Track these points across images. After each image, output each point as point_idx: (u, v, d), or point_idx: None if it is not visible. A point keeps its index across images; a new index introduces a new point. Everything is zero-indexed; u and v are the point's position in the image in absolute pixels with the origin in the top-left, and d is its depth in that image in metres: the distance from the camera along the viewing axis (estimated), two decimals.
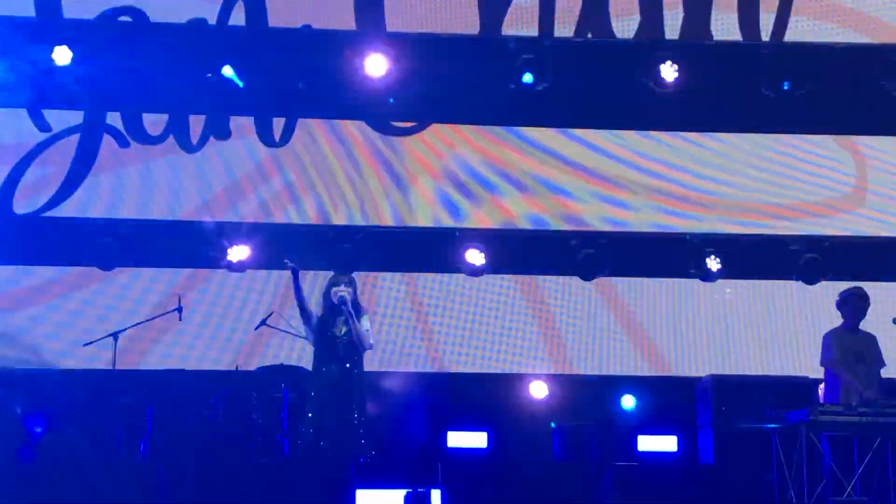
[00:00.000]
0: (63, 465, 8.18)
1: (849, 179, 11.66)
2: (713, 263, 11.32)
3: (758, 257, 11.43)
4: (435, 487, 7.82)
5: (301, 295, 8.83)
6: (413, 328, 11.56)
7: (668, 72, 10.29)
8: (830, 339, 9.22)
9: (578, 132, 11.47)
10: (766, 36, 10.74)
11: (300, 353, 10.40)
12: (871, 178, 11.65)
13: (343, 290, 8.74)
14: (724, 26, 10.75)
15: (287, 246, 10.84)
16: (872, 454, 8.50)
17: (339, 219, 11.34)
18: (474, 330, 11.61)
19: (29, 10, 10.30)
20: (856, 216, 11.62)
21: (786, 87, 10.30)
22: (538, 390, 11.51)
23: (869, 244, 11.50)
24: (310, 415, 8.59)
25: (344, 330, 8.73)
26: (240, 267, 11.03)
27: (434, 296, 11.62)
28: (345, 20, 10.64)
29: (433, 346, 11.58)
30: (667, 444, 11.04)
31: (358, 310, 8.78)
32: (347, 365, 8.67)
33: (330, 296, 8.81)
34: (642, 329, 11.66)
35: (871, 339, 9.25)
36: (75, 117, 11.08)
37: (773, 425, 9.09)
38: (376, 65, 10.16)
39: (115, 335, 10.09)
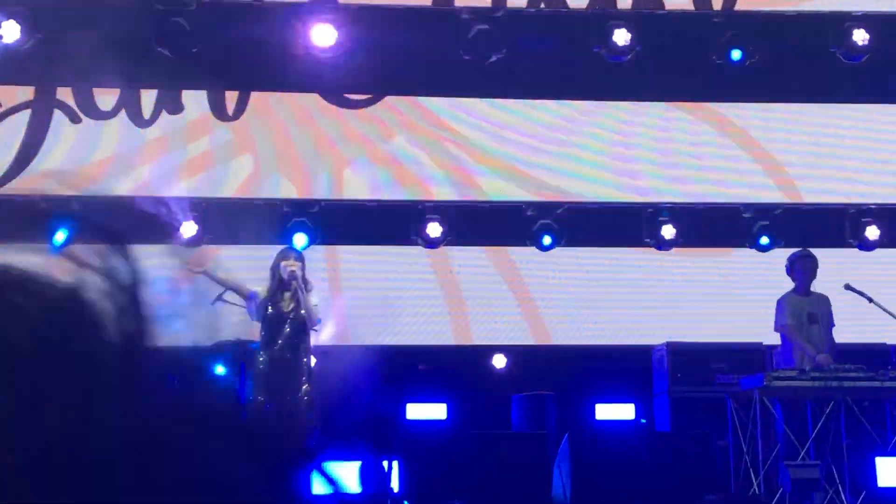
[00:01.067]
0: None
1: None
2: (668, 231, 11.41)
3: (712, 225, 11.51)
4: (392, 458, 7.84)
5: (228, 285, 8.76)
6: (372, 301, 11.55)
7: (621, 39, 10.32)
8: (783, 305, 9.31)
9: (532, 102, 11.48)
10: (717, 4, 10.80)
11: (257, 328, 10.36)
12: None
13: (293, 265, 8.64)
14: None
15: (240, 220, 10.80)
16: (826, 418, 8.60)
17: (294, 192, 11.30)
18: (433, 302, 11.62)
19: None
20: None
21: (736, 57, 10.36)
22: (498, 362, 11.56)
23: (818, 210, 11.64)
24: (255, 396, 8.53)
25: (291, 305, 8.65)
26: (193, 242, 10.96)
27: (394, 268, 11.61)
28: None
29: (394, 319, 11.58)
30: (624, 412, 11.12)
31: (306, 285, 8.69)
32: (296, 342, 8.59)
33: (278, 270, 8.72)
34: (598, 299, 11.71)
35: (824, 300, 9.34)
36: (24, 93, 10.96)
37: (727, 391, 9.18)
38: (324, 35, 10.12)
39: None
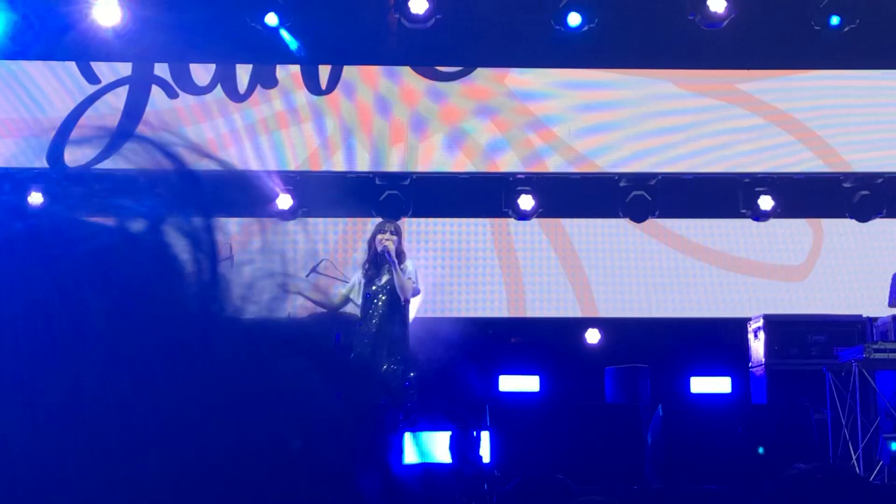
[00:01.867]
0: None
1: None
2: (766, 202, 11.22)
3: (810, 195, 11.29)
4: (483, 429, 7.85)
5: (334, 304, 8.90)
6: (467, 273, 11.57)
7: (717, 6, 10.16)
8: None
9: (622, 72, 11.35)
10: None
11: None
12: None
13: (387, 239, 8.69)
14: None
15: (333, 194, 10.88)
16: None
17: (385, 166, 11.34)
18: (526, 275, 11.59)
19: None
20: None
21: (835, 22, 10.13)
22: (592, 337, 11.51)
23: None
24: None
25: (387, 278, 8.73)
26: (289, 215, 11.09)
27: (486, 241, 11.61)
28: None
29: (487, 291, 11.59)
30: (720, 385, 10.99)
31: (401, 257, 8.74)
32: (391, 315, 8.66)
33: (374, 243, 8.80)
34: (692, 270, 11.58)
35: None
36: (124, 69, 11.15)
37: (825, 363, 9.02)
38: (418, 5, 10.14)
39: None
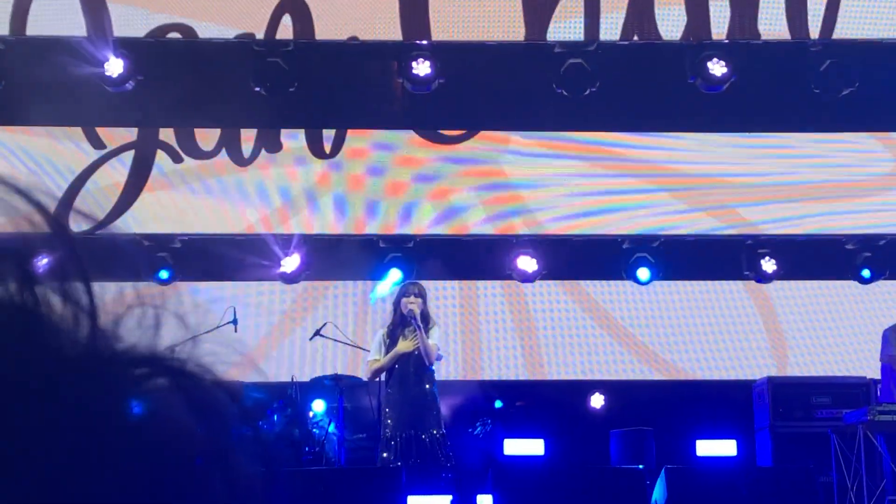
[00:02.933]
0: None
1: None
2: (768, 265, 11.23)
3: (813, 257, 11.30)
4: (485, 493, 7.80)
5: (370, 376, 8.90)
6: (470, 336, 11.56)
7: (717, 69, 10.24)
8: (890, 336, 9.11)
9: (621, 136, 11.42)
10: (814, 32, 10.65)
11: (355, 363, 10.45)
12: None
13: (413, 302, 8.63)
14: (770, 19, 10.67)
15: (339, 256, 10.92)
16: None
17: (390, 228, 11.38)
18: (526, 337, 11.58)
19: (80, 30, 10.49)
20: None
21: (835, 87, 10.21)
22: (596, 401, 11.47)
23: None
24: (385, 431, 8.54)
25: (414, 342, 8.63)
26: (293, 278, 11.12)
27: (486, 303, 11.61)
28: (391, 31, 10.71)
29: (489, 354, 11.57)
30: (726, 447, 10.94)
31: (427, 322, 8.67)
32: (420, 379, 8.58)
33: (399, 307, 8.74)
34: (697, 333, 11.56)
35: None
36: (129, 134, 11.23)
37: (830, 426, 8.98)
38: (421, 69, 10.24)
39: (171, 349, 10.16)
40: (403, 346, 8.56)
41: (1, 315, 0.73)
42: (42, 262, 0.76)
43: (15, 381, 0.71)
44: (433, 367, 8.62)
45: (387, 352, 8.63)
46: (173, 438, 0.75)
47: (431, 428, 8.44)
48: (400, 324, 8.66)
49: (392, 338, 8.68)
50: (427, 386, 8.54)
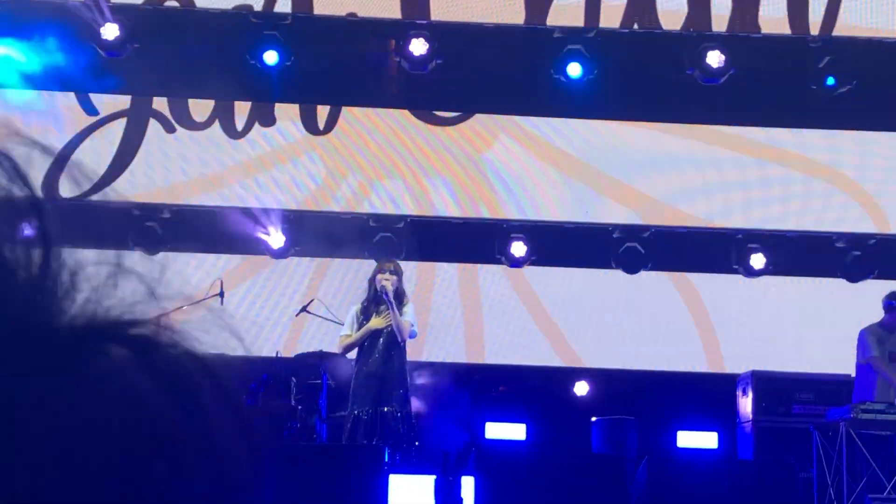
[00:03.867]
0: None
1: None
2: (757, 260, 11.23)
3: (802, 254, 11.31)
4: (468, 474, 7.80)
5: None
6: (459, 319, 11.55)
7: (715, 61, 10.22)
8: (868, 337, 9.11)
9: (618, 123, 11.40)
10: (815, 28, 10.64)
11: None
12: None
13: (386, 279, 8.66)
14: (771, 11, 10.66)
15: (329, 233, 10.89)
16: None
17: (381, 207, 11.35)
18: (517, 323, 11.58)
19: None
20: None
21: (831, 83, 10.21)
22: (580, 389, 11.48)
23: None
24: (350, 408, 8.59)
25: (387, 319, 8.68)
26: (280, 254, 11.08)
27: (480, 286, 11.60)
28: (390, 9, 10.67)
29: (475, 337, 11.57)
30: (707, 440, 10.96)
31: (400, 299, 8.70)
32: (388, 356, 8.61)
33: (374, 283, 8.77)
34: (684, 323, 11.57)
35: None
36: (122, 102, 11.18)
37: (813, 422, 9.00)
38: (416, 51, 10.19)
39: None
40: (375, 322, 8.59)
41: None
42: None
43: None
44: (404, 344, 8.64)
45: (359, 328, 8.66)
46: (131, 420, 0.67)
47: (395, 405, 8.45)
48: (374, 300, 8.69)
49: (366, 314, 8.71)
50: (395, 363, 8.56)
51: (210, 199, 11.26)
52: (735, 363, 11.10)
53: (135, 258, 0.74)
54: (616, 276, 11.46)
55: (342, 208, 11.33)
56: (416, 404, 9.28)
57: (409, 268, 10.72)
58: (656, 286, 11.56)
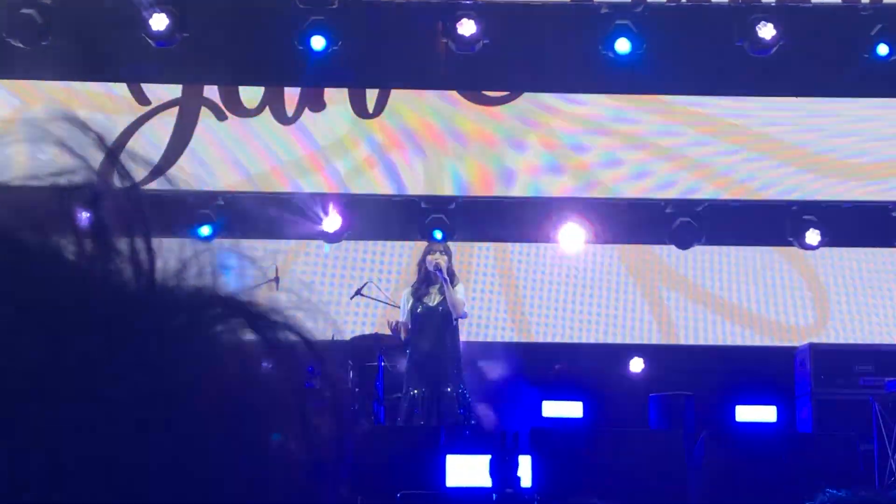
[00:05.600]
0: None
1: None
2: (813, 233, 11.11)
3: (858, 225, 11.18)
4: (524, 453, 7.82)
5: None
6: (511, 299, 11.56)
7: (767, 34, 10.11)
8: None
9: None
10: None
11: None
12: None
13: (438, 258, 8.70)
14: None
15: (381, 216, 10.93)
16: None
17: (432, 189, 11.37)
18: (570, 301, 11.57)
19: None
20: None
21: (883, 53, 10.07)
22: (636, 366, 11.45)
23: None
24: (406, 389, 8.64)
25: (438, 299, 8.72)
26: (335, 237, 11.14)
27: (529, 266, 11.60)
28: None
29: (530, 317, 11.58)
30: (766, 413, 10.89)
31: (452, 278, 8.75)
32: (442, 336, 8.64)
33: (425, 264, 8.81)
34: (739, 298, 11.50)
35: None
36: (174, 91, 11.27)
37: (872, 394, 8.92)
38: (466, 29, 10.18)
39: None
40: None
41: (63, 265, 0.70)
42: (101, 209, 0.74)
43: (85, 322, 0.68)
44: (457, 324, 8.66)
45: (411, 310, 8.69)
46: (250, 385, 0.71)
47: (449, 385, 8.48)
48: (424, 281, 8.72)
49: (416, 296, 8.74)
50: (448, 343, 8.59)
51: (262, 185, 11.34)
52: (793, 336, 11.02)
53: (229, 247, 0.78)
54: (670, 251, 11.41)
55: (393, 190, 11.36)
56: (470, 384, 9.32)
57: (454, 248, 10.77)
58: (706, 260, 11.49)
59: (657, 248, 11.52)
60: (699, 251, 11.40)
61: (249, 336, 0.74)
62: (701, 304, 11.52)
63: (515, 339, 11.48)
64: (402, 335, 8.82)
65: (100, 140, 0.77)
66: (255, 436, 0.70)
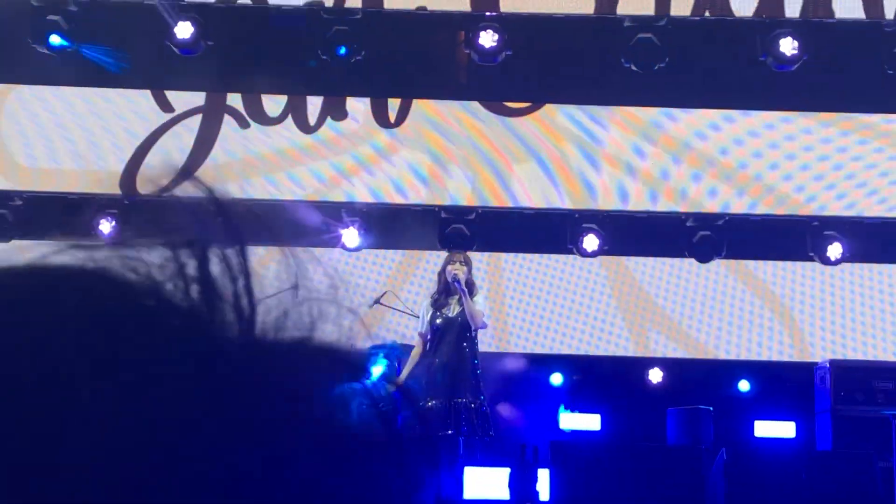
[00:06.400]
0: None
1: None
2: (834, 248, 11.06)
3: (879, 241, 11.14)
4: (542, 466, 7.82)
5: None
6: (529, 309, 11.56)
7: (788, 48, 10.09)
8: None
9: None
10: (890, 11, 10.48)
11: (414, 332, 10.48)
12: None
13: (457, 268, 8.69)
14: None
15: (401, 225, 10.95)
16: None
17: (452, 198, 11.38)
18: (590, 313, 11.56)
19: None
20: None
21: None
22: (655, 376, 11.43)
23: None
24: (424, 399, 8.63)
25: (457, 310, 8.71)
26: (355, 247, 11.15)
27: (548, 277, 11.59)
28: (459, 1, 10.68)
29: (548, 327, 11.57)
30: (785, 429, 10.86)
31: (471, 289, 8.74)
32: (460, 346, 8.63)
33: (444, 274, 8.80)
34: (761, 312, 11.47)
35: None
36: (197, 98, 11.32)
37: (892, 411, 8.89)
38: (486, 43, 10.19)
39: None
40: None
41: (175, 316, 0.71)
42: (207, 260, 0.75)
43: (190, 372, 0.68)
44: (475, 334, 8.64)
45: (431, 321, 8.70)
46: (365, 439, 0.73)
47: (468, 396, 8.46)
48: (444, 291, 8.71)
49: (436, 306, 8.73)
50: (467, 354, 8.58)
51: (282, 192, 11.37)
52: (813, 352, 10.99)
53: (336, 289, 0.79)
54: (689, 264, 11.39)
55: (413, 200, 11.37)
56: (490, 395, 9.31)
57: (476, 258, 10.77)
58: (727, 275, 11.47)
59: (675, 262, 11.49)
60: (718, 263, 11.38)
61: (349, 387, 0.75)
62: (718, 319, 11.49)
63: (535, 351, 11.47)
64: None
65: (211, 195, 0.79)
66: (360, 496, 0.72)
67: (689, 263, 11.38)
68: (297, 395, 0.71)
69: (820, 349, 11.16)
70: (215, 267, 0.74)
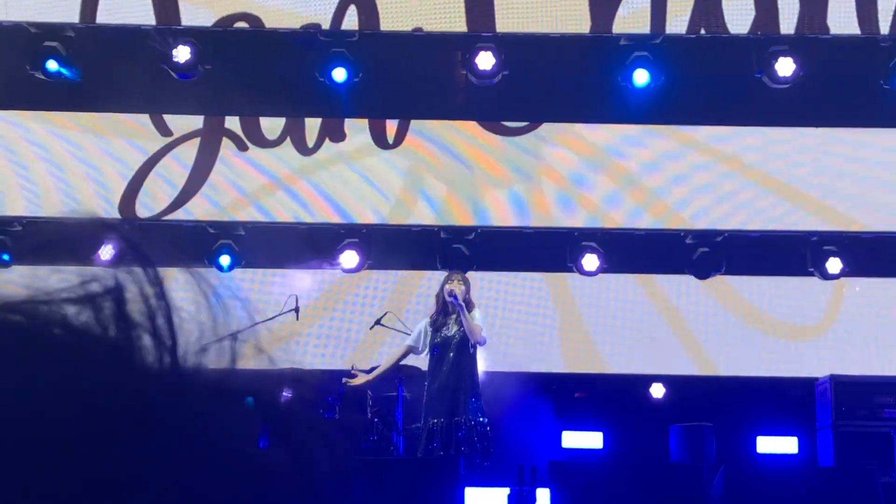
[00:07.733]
0: None
1: None
2: (834, 263, 11.06)
3: (880, 255, 11.15)
4: (542, 486, 7.80)
5: (390, 370, 8.99)
6: (530, 328, 11.56)
7: (784, 68, 10.11)
8: None
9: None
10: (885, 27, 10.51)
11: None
12: None
13: (454, 285, 8.72)
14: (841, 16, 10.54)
15: (400, 246, 10.96)
16: None
17: (451, 219, 11.39)
18: (589, 330, 11.56)
19: (148, 19, 10.62)
20: None
21: None
22: (657, 391, 11.42)
23: None
24: (424, 419, 8.63)
25: (455, 329, 8.72)
26: (355, 268, 11.16)
27: (549, 295, 11.60)
28: (455, 23, 10.72)
29: (550, 346, 11.56)
30: (787, 445, 10.86)
31: (469, 305, 8.75)
32: (459, 365, 8.64)
33: (442, 293, 8.81)
34: (761, 328, 11.47)
35: None
36: (195, 122, 11.35)
37: (894, 426, 8.88)
38: (483, 63, 10.22)
39: (233, 335, 10.25)
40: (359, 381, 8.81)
41: (95, 349, 0.73)
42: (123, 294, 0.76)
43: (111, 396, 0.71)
44: (474, 352, 8.65)
45: (430, 342, 8.72)
46: (255, 467, 0.75)
47: (468, 415, 8.46)
48: (442, 312, 8.73)
49: (435, 326, 8.75)
50: (466, 372, 8.59)
51: (282, 215, 11.39)
52: (814, 367, 10.98)
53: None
54: (690, 281, 11.40)
55: (412, 220, 11.39)
56: (490, 414, 9.31)
57: (476, 278, 10.78)
58: (729, 291, 11.47)
59: (675, 279, 11.49)
60: (719, 279, 11.38)
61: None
62: (721, 333, 11.49)
63: (535, 370, 11.46)
64: (359, 381, 8.99)
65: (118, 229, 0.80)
66: None
67: (688, 280, 11.38)
68: (209, 429, 0.72)
69: (820, 364, 11.15)
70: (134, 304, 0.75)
